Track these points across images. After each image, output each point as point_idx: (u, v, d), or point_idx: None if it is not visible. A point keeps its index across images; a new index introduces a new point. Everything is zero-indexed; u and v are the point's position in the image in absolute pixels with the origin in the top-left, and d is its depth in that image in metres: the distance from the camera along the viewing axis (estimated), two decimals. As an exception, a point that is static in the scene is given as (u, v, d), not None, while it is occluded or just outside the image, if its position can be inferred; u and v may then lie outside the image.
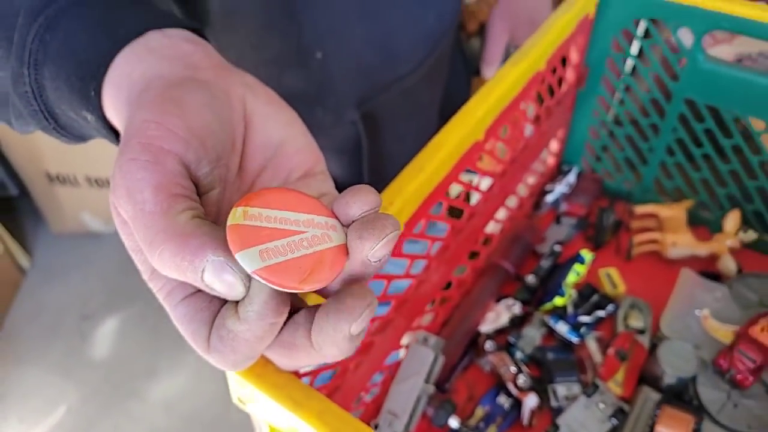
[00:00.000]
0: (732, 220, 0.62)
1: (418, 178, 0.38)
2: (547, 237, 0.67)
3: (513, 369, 0.53)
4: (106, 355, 1.62)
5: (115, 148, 0.41)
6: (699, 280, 0.59)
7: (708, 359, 0.52)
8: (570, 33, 0.56)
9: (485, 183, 0.55)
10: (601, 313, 0.58)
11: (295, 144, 0.24)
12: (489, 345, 0.55)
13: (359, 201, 0.21)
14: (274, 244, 0.20)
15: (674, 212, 0.65)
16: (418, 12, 0.47)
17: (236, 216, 0.20)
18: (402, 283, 0.46)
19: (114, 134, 0.26)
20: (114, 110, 0.24)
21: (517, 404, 0.52)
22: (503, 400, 0.53)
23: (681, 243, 0.62)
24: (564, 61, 0.60)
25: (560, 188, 0.70)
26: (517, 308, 0.58)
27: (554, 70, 0.58)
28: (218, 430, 1.47)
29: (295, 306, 0.23)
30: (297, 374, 0.34)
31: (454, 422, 0.50)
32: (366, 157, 0.52)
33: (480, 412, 0.53)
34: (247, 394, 0.29)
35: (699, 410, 0.48)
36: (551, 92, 0.60)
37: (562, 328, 0.57)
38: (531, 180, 0.69)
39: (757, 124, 0.59)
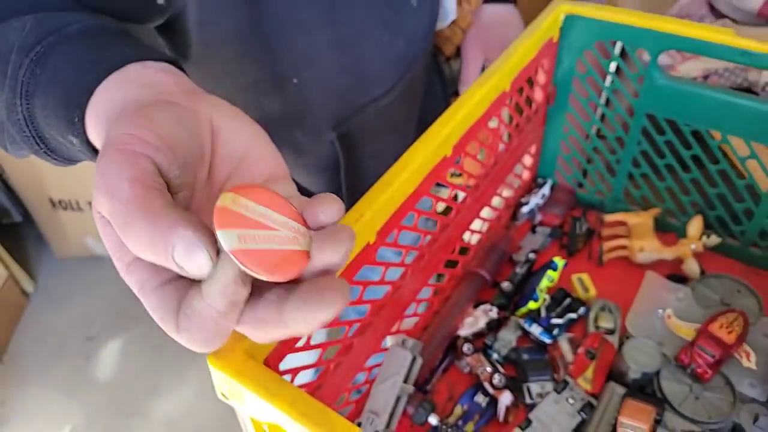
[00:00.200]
0: (695, 225, 0.66)
1: (387, 192, 0.42)
2: (523, 246, 0.71)
3: (489, 369, 0.57)
4: (110, 376, 1.65)
5: None
6: (663, 282, 0.62)
7: (671, 355, 0.55)
8: (534, 55, 0.61)
9: (460, 195, 0.59)
10: (572, 315, 0.62)
11: (258, 153, 0.27)
12: (467, 347, 0.59)
13: (325, 210, 0.24)
14: (252, 232, 0.22)
15: (642, 220, 0.69)
16: (388, 40, 0.51)
17: (226, 200, 0.22)
18: (380, 288, 0.50)
19: (97, 155, 0.29)
20: (95, 133, 0.27)
21: (494, 402, 0.56)
22: (480, 399, 0.56)
23: (647, 248, 0.66)
24: (530, 81, 0.65)
25: (535, 200, 0.74)
26: (494, 313, 0.62)
27: (521, 90, 0.62)
28: (220, 447, 1.49)
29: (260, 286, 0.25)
30: (277, 371, 0.37)
31: (433, 420, 0.53)
32: (344, 173, 0.56)
33: (459, 410, 0.56)
34: (230, 389, 0.33)
35: (662, 403, 0.52)
36: (520, 110, 0.64)
37: (535, 330, 0.60)
38: (507, 193, 0.74)
39: (715, 134, 0.63)
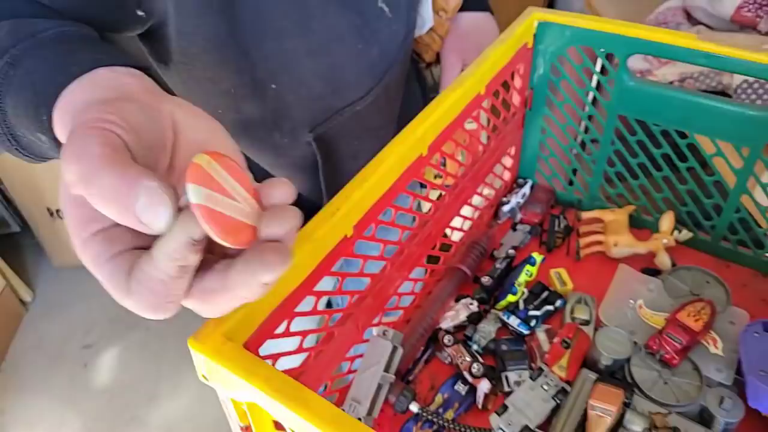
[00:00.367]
0: (666, 220, 0.69)
1: (363, 187, 0.45)
2: (503, 243, 0.73)
3: (468, 359, 0.59)
4: (108, 383, 1.67)
5: None
6: (635, 274, 0.65)
7: (641, 343, 0.58)
8: (509, 60, 0.64)
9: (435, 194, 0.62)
10: (550, 307, 0.64)
11: (216, 145, 0.29)
12: (448, 339, 0.61)
13: (277, 193, 0.26)
14: (217, 195, 0.23)
15: (616, 216, 0.71)
16: (362, 48, 0.54)
17: (202, 159, 0.23)
18: (362, 280, 0.53)
19: None
20: (62, 129, 0.29)
21: (473, 390, 0.58)
22: (460, 387, 0.59)
23: (622, 243, 0.69)
24: (507, 85, 0.68)
25: (516, 199, 0.77)
26: (474, 306, 0.65)
27: (497, 93, 0.65)
28: (217, 452, 1.50)
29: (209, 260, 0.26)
30: (257, 355, 0.40)
31: (414, 407, 0.55)
32: (323, 173, 0.59)
33: (439, 398, 0.58)
34: (209, 370, 0.35)
35: (632, 387, 0.54)
36: (497, 113, 0.67)
37: (513, 321, 0.63)
38: (489, 193, 0.77)
39: (682, 134, 0.66)
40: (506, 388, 0.58)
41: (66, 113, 0.29)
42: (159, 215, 0.22)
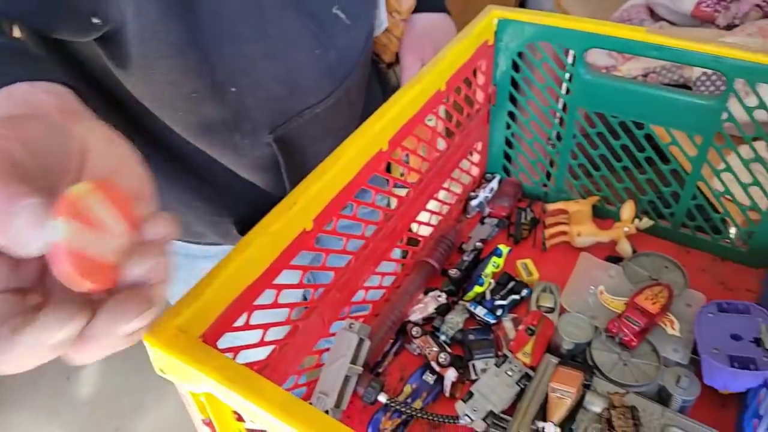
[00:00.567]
0: (627, 209, 0.70)
1: (321, 180, 0.46)
2: (472, 236, 0.75)
3: (436, 349, 0.60)
4: (91, 395, 1.66)
5: None
6: (596, 261, 0.67)
7: (602, 327, 0.59)
8: (469, 57, 0.66)
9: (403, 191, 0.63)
10: (515, 297, 0.66)
11: (125, 173, 0.28)
12: (415, 330, 0.62)
13: (154, 229, 0.26)
14: (86, 232, 0.21)
15: (580, 207, 0.73)
16: (319, 52, 0.55)
17: (80, 189, 0.22)
18: (326, 274, 0.54)
19: None
20: None
21: (441, 379, 0.59)
22: (428, 377, 0.60)
23: (585, 233, 0.70)
24: (469, 81, 0.69)
25: (484, 194, 0.78)
26: (442, 298, 0.66)
27: (459, 90, 0.67)
28: (203, 459, 1.50)
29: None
30: (216, 348, 0.41)
31: (383, 398, 0.56)
32: (286, 173, 0.60)
33: (408, 389, 0.59)
34: (165, 363, 0.36)
35: (592, 369, 0.56)
36: (460, 109, 0.69)
37: (480, 311, 0.64)
38: (457, 188, 0.78)
39: (639, 125, 0.68)
40: (473, 377, 0.59)
41: None
42: (35, 237, 0.21)
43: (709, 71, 0.89)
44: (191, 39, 0.49)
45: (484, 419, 0.54)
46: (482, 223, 0.77)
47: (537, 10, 0.69)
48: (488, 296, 0.66)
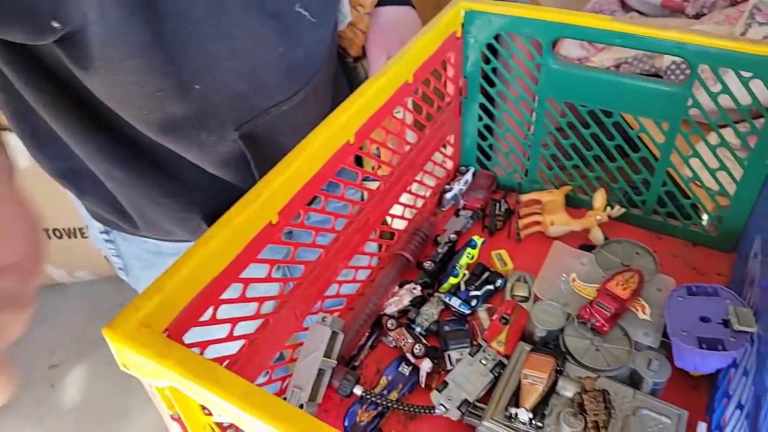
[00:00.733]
0: (599, 198, 0.71)
1: (285, 173, 0.46)
2: (447, 229, 0.75)
3: (411, 340, 0.61)
4: (77, 402, 1.64)
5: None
6: (569, 249, 0.67)
7: (575, 314, 0.60)
8: (437, 49, 0.66)
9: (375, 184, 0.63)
10: (490, 287, 0.66)
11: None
12: (390, 323, 0.63)
13: None
14: None
15: (553, 197, 0.74)
16: (283, 50, 0.55)
17: None
18: (301, 268, 0.54)
19: None
20: None
21: (416, 370, 0.60)
22: (404, 369, 0.60)
23: (558, 222, 0.71)
24: (438, 74, 0.70)
25: (458, 186, 0.79)
26: (417, 291, 0.66)
27: (428, 82, 0.67)
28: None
29: None
30: (181, 342, 0.40)
31: (358, 390, 0.56)
32: (255, 168, 0.60)
33: (384, 381, 0.60)
34: (127, 358, 0.35)
35: (564, 355, 0.56)
36: (430, 101, 0.69)
37: (455, 302, 0.64)
38: (432, 182, 0.78)
39: (608, 114, 0.69)
40: (449, 367, 0.59)
41: None
42: None
43: (678, 60, 0.90)
44: (155, 40, 0.49)
45: (458, 408, 0.54)
46: (457, 215, 0.77)
47: (508, 1, 0.69)
48: (463, 287, 0.66)
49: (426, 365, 0.59)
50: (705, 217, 0.72)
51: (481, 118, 0.78)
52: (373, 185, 0.63)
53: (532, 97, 0.72)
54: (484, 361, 0.57)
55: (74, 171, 0.63)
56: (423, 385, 0.59)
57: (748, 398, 0.47)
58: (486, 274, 0.67)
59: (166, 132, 0.55)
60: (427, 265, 0.68)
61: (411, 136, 0.68)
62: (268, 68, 0.55)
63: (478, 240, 0.70)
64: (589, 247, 0.70)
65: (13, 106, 0.57)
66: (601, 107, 0.68)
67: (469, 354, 0.58)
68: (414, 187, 0.72)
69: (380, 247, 0.70)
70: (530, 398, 0.51)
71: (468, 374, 0.56)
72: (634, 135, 0.69)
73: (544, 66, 0.69)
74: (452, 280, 0.67)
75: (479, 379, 0.56)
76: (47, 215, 1.64)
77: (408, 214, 0.74)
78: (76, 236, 1.69)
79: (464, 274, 0.67)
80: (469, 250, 0.69)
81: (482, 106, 0.77)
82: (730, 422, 0.49)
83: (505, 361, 0.57)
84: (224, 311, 0.45)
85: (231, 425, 0.42)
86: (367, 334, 0.63)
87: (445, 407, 0.54)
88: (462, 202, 0.78)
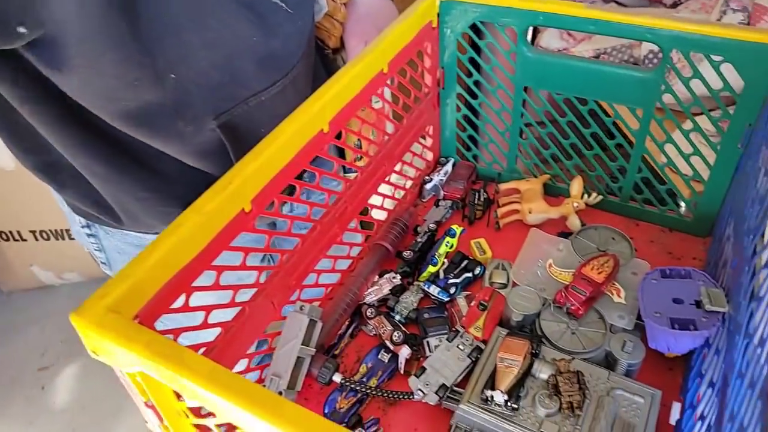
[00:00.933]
0: (576, 185, 0.72)
1: (257, 161, 0.46)
2: (427, 219, 0.76)
3: (390, 328, 0.61)
4: (69, 403, 1.63)
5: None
6: (545, 236, 0.68)
7: (551, 299, 0.60)
8: (412, 39, 0.66)
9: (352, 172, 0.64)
10: (469, 274, 0.67)
11: None
12: (370, 312, 0.63)
13: None
14: None
15: (531, 185, 0.74)
16: (258, 40, 0.55)
17: None
18: (274, 257, 0.54)
19: None
20: None
21: (395, 357, 0.60)
22: (383, 356, 0.60)
23: (536, 210, 0.72)
24: (415, 64, 0.70)
25: (438, 177, 0.79)
26: (397, 280, 0.66)
27: (404, 72, 0.68)
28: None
29: None
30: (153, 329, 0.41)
31: (337, 378, 0.57)
32: (235, 159, 0.60)
33: (364, 368, 0.60)
34: (95, 344, 0.35)
35: (540, 339, 0.57)
36: (407, 92, 0.69)
37: (433, 290, 0.65)
38: (411, 172, 0.79)
39: (583, 102, 0.70)
40: (428, 354, 0.60)
41: None
42: None
43: (656, 49, 0.91)
44: (132, 32, 0.49)
45: (436, 392, 0.54)
46: (437, 205, 0.78)
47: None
48: (442, 275, 0.67)
49: (405, 352, 0.59)
50: (683, 206, 0.73)
51: (459, 109, 0.78)
52: (350, 175, 0.64)
53: (509, 87, 0.73)
54: (461, 347, 0.58)
55: (53, 165, 0.63)
56: (402, 372, 0.59)
57: (719, 377, 0.48)
58: (465, 262, 0.68)
59: (145, 123, 0.55)
60: (407, 254, 0.69)
61: (389, 126, 0.68)
62: (243, 58, 0.55)
63: (457, 229, 0.71)
64: (567, 235, 0.71)
65: None
66: (576, 95, 0.69)
67: (447, 340, 0.58)
68: (394, 178, 0.72)
69: (366, 238, 0.70)
70: (505, 381, 0.52)
71: (446, 359, 0.57)
72: (610, 122, 0.70)
73: (520, 55, 0.69)
74: (431, 269, 0.67)
75: (457, 364, 0.56)
76: (33, 217, 1.63)
77: (389, 204, 0.74)
78: (63, 238, 1.69)
79: (443, 263, 0.68)
80: (448, 239, 0.70)
81: (461, 97, 0.77)
82: (703, 401, 0.49)
83: (482, 346, 0.58)
84: (199, 298, 0.45)
85: (211, 413, 0.43)
86: (347, 323, 0.64)
87: (423, 392, 0.55)
88: (442, 193, 0.79)
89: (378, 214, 0.73)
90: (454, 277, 0.66)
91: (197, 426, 0.40)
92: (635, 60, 0.99)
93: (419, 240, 0.70)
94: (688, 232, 0.71)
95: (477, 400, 0.52)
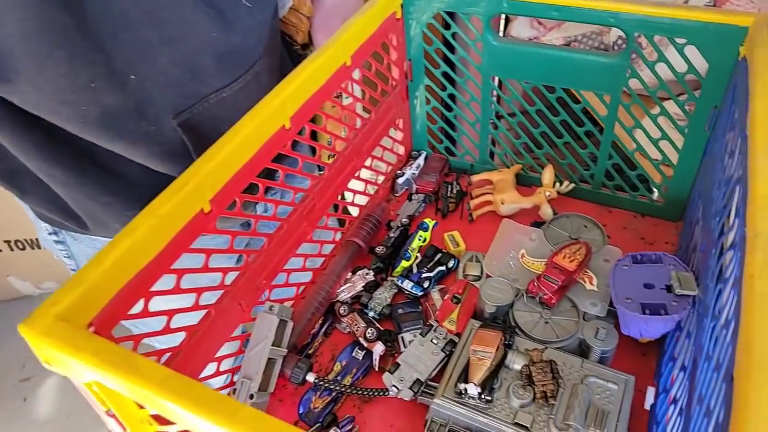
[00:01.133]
0: (547, 175, 0.71)
1: (214, 160, 0.45)
2: (400, 213, 0.75)
3: (363, 325, 0.60)
4: (51, 413, 1.61)
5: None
6: (517, 227, 0.68)
7: (524, 289, 0.60)
8: (375, 30, 0.65)
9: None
10: (442, 268, 0.66)
11: None
12: (343, 309, 0.62)
13: None
14: None
15: (503, 176, 0.74)
16: (217, 36, 0.54)
17: None
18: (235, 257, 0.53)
19: None
20: None
21: (370, 354, 0.59)
22: (357, 353, 0.60)
23: (508, 200, 0.71)
24: (380, 57, 0.69)
25: (410, 171, 0.78)
26: (371, 276, 0.66)
27: (369, 65, 0.67)
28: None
29: None
30: (110, 338, 0.40)
31: (311, 377, 0.56)
32: (195, 155, 0.58)
33: (338, 366, 0.59)
34: (47, 354, 0.34)
35: (513, 330, 0.56)
36: (373, 85, 0.69)
37: (407, 285, 0.64)
38: (383, 167, 0.78)
39: (551, 89, 0.69)
40: (402, 349, 0.59)
41: None
42: None
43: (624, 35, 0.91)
44: (79, 27, 0.48)
45: (411, 388, 0.54)
46: (410, 199, 0.77)
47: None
48: (415, 270, 0.66)
49: (378, 348, 0.58)
50: (656, 192, 0.73)
51: (429, 101, 0.77)
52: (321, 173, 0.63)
53: (477, 78, 0.72)
54: (435, 341, 0.57)
55: (12, 171, 0.62)
56: (377, 369, 0.59)
57: (689, 360, 0.48)
58: (438, 256, 0.67)
59: (107, 127, 0.54)
60: (380, 250, 0.68)
61: (357, 121, 0.67)
62: (203, 54, 0.54)
63: (430, 223, 0.70)
64: (540, 224, 0.70)
65: None
66: (543, 83, 0.68)
67: (421, 334, 0.58)
68: (366, 173, 0.71)
69: (342, 234, 0.69)
70: (478, 373, 0.51)
71: (419, 354, 0.56)
72: (579, 110, 0.70)
73: (486, 44, 0.69)
74: (404, 264, 0.67)
75: (431, 359, 0.56)
76: (7, 227, 1.60)
77: (361, 200, 0.73)
78: (39, 247, 1.65)
79: (416, 257, 0.67)
80: (420, 233, 0.69)
81: (431, 89, 0.77)
82: (675, 384, 0.49)
83: (456, 339, 0.57)
84: (165, 302, 0.44)
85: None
86: (320, 321, 0.63)
87: (397, 388, 0.54)
88: (414, 186, 0.78)
89: (350, 210, 0.72)
90: (427, 271, 0.66)
91: (161, 434, 0.39)
92: (606, 47, 0.99)
93: (392, 235, 0.70)
94: (660, 216, 0.72)
95: (451, 393, 0.52)
